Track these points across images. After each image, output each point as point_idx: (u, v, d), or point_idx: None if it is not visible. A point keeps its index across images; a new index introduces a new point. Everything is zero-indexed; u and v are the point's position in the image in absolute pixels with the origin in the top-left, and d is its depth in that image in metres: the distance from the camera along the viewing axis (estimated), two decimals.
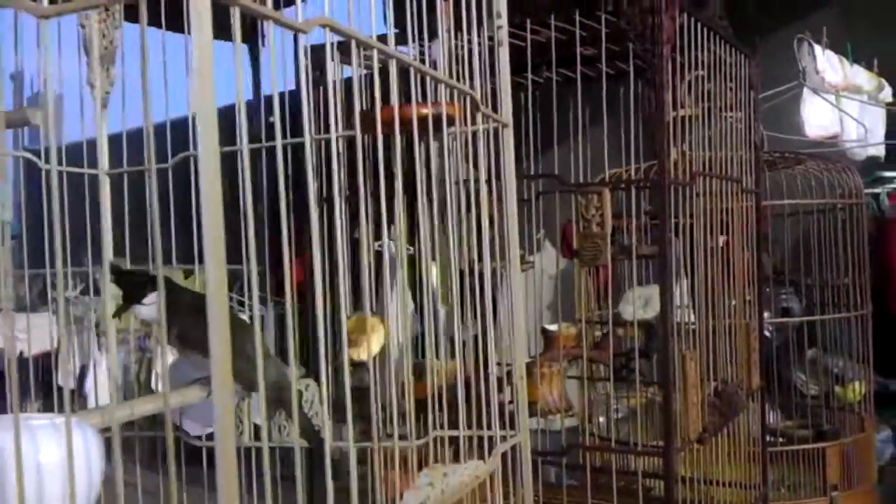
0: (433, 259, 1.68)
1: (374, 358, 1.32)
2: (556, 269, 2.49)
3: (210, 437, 1.44)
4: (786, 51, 3.22)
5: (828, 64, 3.31)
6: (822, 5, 3.85)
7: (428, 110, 1.18)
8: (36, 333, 3.45)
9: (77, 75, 1.23)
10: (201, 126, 0.60)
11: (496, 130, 1.25)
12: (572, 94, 1.84)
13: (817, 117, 3.23)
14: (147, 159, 1.03)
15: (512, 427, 1.20)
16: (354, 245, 1.83)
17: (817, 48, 3.18)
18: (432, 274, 1.86)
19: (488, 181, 1.22)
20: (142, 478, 1.50)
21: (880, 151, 3.47)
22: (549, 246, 2.82)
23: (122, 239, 1.46)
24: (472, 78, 1.26)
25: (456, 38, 1.24)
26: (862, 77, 3.49)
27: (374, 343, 1.29)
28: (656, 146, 1.47)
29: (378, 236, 1.90)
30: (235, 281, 3.57)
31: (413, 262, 2.14)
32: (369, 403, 1.41)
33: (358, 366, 1.23)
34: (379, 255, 1.95)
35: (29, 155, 1.20)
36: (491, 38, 1.24)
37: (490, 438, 1.12)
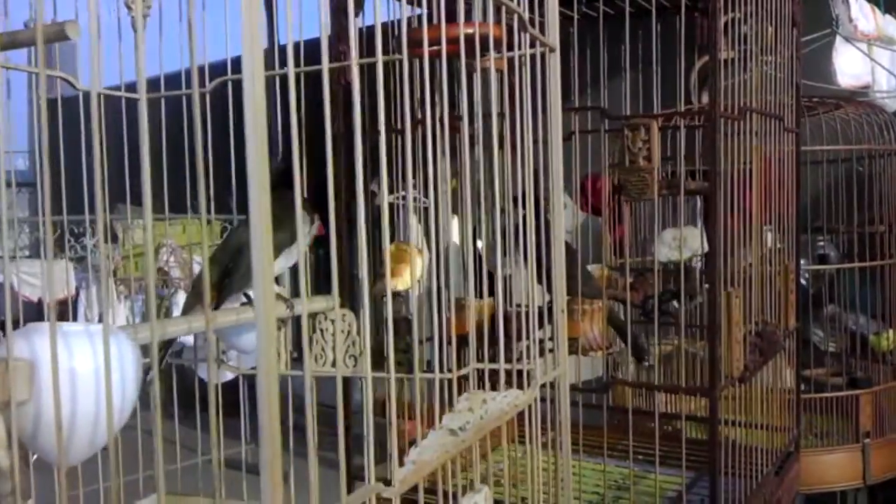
0: (454, 212, 1.64)
1: (412, 287, 1.30)
2: (576, 223, 2.46)
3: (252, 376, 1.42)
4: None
5: (861, 13, 3.23)
6: None
7: (470, 30, 1.13)
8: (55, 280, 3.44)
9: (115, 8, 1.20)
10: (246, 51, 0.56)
11: (541, 57, 1.20)
12: (611, 30, 1.79)
13: (849, 66, 3.16)
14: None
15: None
16: (372, 199, 1.80)
17: None
18: (453, 229, 1.83)
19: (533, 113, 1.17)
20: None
21: None
22: (567, 199, 2.79)
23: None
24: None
25: None
26: (893, 27, 3.41)
27: (413, 273, 1.27)
28: (709, 74, 1.43)
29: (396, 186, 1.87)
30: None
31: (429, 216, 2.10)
32: (404, 335, 1.39)
33: (395, 296, 1.21)
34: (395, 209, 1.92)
35: (67, 76, 1.16)
36: None
37: (529, 372, 1.11)
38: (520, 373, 1.09)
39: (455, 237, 1.93)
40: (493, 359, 1.14)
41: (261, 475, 0.55)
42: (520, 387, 1.07)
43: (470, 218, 1.52)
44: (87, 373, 0.76)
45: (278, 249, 1.10)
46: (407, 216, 2.81)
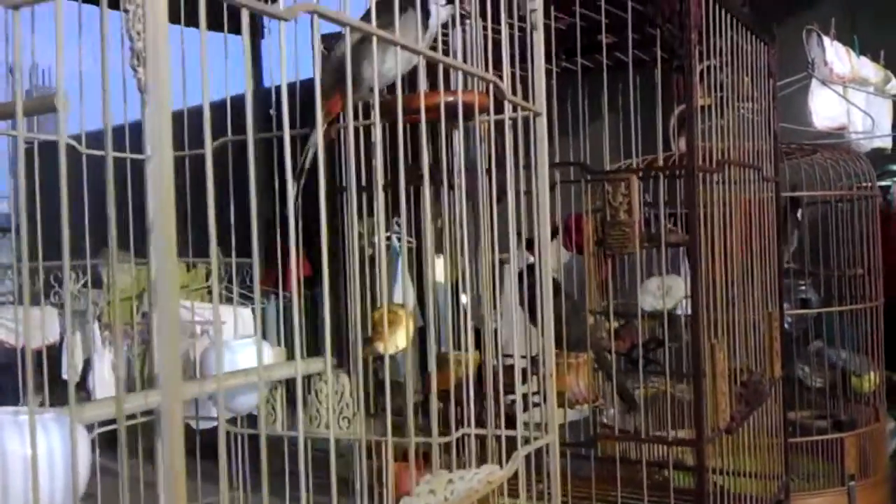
0: (438, 253, 1.65)
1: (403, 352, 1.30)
2: (559, 264, 2.47)
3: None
4: (791, 41, 3.20)
5: (836, 56, 3.30)
6: None
7: (441, 98, 1.15)
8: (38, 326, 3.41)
9: (118, 61, 1.21)
10: (153, 113, 0.58)
11: (525, 119, 1.22)
12: (591, 85, 1.83)
13: (825, 108, 3.22)
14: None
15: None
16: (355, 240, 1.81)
17: (826, 39, 3.17)
18: (437, 268, 1.83)
19: (515, 169, 1.19)
20: (143, 470, 1.48)
21: (886, 143, 3.46)
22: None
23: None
24: (493, 65, 1.23)
25: (483, 22, 1.22)
26: (869, 69, 3.48)
27: (402, 336, 1.26)
28: (686, 131, 1.46)
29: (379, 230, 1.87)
30: (237, 273, 3.54)
31: (416, 256, 2.11)
32: (394, 397, 1.38)
33: (383, 359, 1.21)
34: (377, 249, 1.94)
35: (71, 141, 1.17)
36: (522, 21, 1.22)
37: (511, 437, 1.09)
38: (507, 437, 1.08)
39: (440, 276, 1.94)
40: (481, 417, 1.13)
41: None
42: (511, 447, 1.06)
43: (453, 270, 1.53)
44: (17, 460, 0.77)
45: None
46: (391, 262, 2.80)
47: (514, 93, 1.19)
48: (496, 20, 1.19)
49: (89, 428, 1.18)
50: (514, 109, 1.18)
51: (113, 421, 1.21)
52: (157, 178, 0.56)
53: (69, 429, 0.82)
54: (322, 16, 0.85)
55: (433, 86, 1.23)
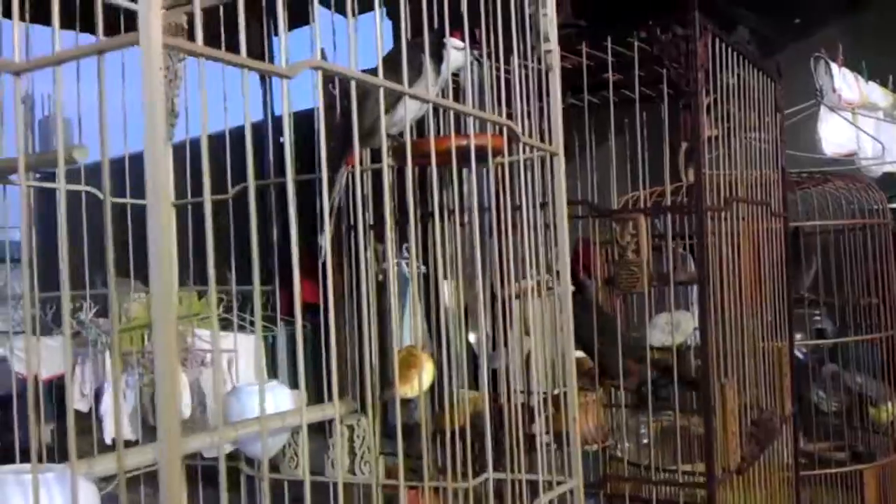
0: (446, 277, 1.66)
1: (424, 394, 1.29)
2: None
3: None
4: (797, 68, 3.20)
5: (844, 82, 3.29)
6: (832, 21, 3.83)
7: (453, 143, 1.16)
8: (52, 355, 3.44)
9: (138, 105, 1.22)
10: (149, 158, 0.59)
11: (542, 158, 1.23)
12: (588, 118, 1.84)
13: (834, 135, 3.21)
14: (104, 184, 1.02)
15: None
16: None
17: (834, 66, 3.16)
18: (445, 292, 1.83)
19: (531, 208, 1.20)
20: None
21: None
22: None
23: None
24: (508, 102, 1.24)
25: (496, 63, 1.23)
26: (877, 94, 3.47)
27: (424, 379, 1.26)
28: (694, 170, 1.46)
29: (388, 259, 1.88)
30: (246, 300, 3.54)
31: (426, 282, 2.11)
32: (417, 440, 1.38)
33: (405, 402, 1.22)
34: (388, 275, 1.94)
35: (93, 189, 1.19)
36: (536, 62, 1.22)
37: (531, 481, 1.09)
38: (530, 481, 1.07)
39: (447, 300, 1.94)
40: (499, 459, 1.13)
41: None
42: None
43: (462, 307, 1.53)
44: None
45: None
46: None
47: (530, 132, 1.20)
48: (509, 62, 1.20)
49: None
50: (531, 149, 1.19)
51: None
52: (154, 218, 0.57)
53: (72, 485, 0.83)
54: (327, 72, 0.86)
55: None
